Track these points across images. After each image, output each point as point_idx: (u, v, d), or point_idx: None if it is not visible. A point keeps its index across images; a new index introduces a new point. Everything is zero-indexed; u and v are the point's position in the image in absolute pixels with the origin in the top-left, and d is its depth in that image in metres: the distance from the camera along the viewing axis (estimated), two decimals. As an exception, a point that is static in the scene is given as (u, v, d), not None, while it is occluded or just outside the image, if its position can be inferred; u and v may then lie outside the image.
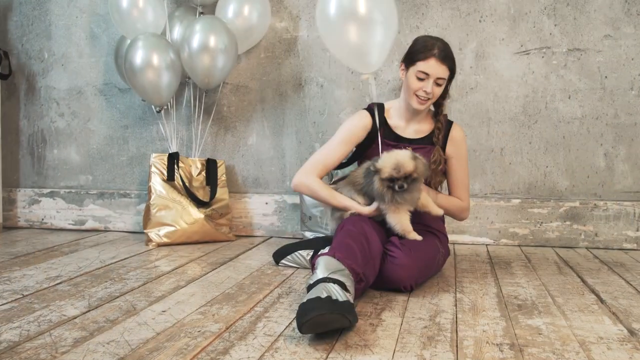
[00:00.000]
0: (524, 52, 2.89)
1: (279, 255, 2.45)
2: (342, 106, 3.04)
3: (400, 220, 2.13)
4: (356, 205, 2.20)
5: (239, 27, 2.91)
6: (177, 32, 2.99)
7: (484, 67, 2.92)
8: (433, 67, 2.17)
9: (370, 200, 2.18)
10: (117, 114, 3.25)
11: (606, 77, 2.84)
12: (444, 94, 2.30)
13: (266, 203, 3.11)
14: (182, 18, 3.01)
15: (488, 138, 2.93)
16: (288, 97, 3.09)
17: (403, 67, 2.28)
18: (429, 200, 2.23)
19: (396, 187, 2.06)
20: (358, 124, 2.33)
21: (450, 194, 2.40)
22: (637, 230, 2.83)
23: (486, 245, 2.92)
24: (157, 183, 2.89)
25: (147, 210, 2.87)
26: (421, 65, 2.17)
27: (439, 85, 2.21)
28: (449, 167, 2.37)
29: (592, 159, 2.87)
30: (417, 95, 2.21)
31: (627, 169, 2.85)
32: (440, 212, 2.23)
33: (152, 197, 2.86)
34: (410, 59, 2.22)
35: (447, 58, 2.19)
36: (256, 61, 3.12)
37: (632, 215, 2.83)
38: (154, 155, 2.93)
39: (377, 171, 2.08)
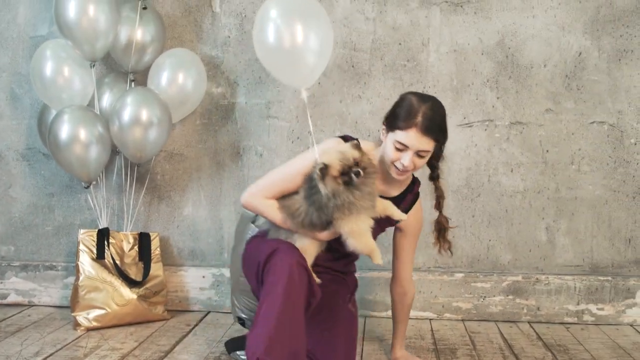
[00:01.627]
0: (467, 124, 2.86)
1: (233, 346, 2.31)
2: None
3: (361, 233, 1.90)
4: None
5: (173, 96, 2.76)
6: (106, 100, 2.81)
7: (427, 139, 2.86)
8: (413, 139, 1.90)
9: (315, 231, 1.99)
10: (41, 180, 3.04)
11: (547, 151, 2.84)
12: (438, 156, 2.07)
13: (203, 276, 2.97)
14: (112, 85, 2.83)
15: (432, 211, 2.87)
16: (226, 166, 2.96)
17: (384, 127, 2.02)
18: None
19: (353, 176, 1.84)
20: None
21: (394, 271, 2.29)
22: (578, 304, 2.84)
23: (430, 320, 2.87)
24: (86, 262, 2.71)
25: (75, 291, 2.69)
26: (400, 135, 1.92)
27: (421, 157, 1.96)
28: (401, 240, 2.23)
29: (534, 233, 2.86)
30: (395, 166, 1.98)
31: (567, 242, 2.85)
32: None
33: (81, 277, 2.68)
34: (390, 123, 1.98)
35: (432, 129, 1.92)
36: (192, 128, 2.97)
37: (573, 289, 2.83)
38: (82, 231, 2.75)
39: (324, 170, 1.86)
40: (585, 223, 2.84)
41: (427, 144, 1.94)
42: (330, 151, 1.93)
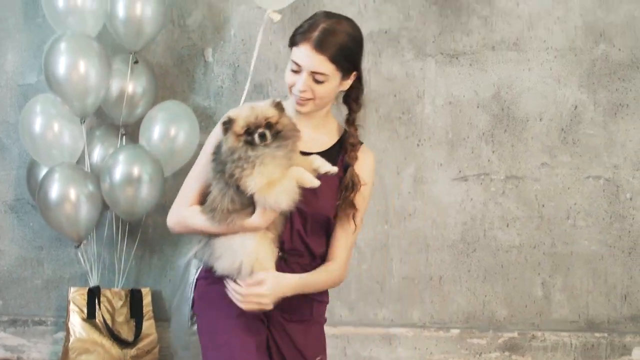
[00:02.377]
0: (462, 178, 2.83)
1: None
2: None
3: (273, 183, 1.57)
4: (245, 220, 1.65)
5: (165, 151, 2.71)
6: (97, 154, 2.76)
7: (422, 192, 2.84)
8: (304, 55, 1.63)
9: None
10: (30, 233, 2.98)
11: (543, 205, 2.81)
12: (356, 95, 1.80)
13: (196, 331, 2.92)
14: (103, 139, 2.78)
15: (427, 265, 2.85)
16: (219, 219, 2.91)
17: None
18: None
19: (256, 137, 1.57)
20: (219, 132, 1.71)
21: (330, 242, 1.80)
22: (574, 360, 2.83)
23: (425, 376, 2.85)
24: (77, 323, 2.66)
25: (66, 353, 2.64)
26: (294, 53, 1.67)
27: (318, 82, 1.65)
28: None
29: (530, 288, 2.84)
30: (294, 94, 1.70)
31: (563, 298, 2.83)
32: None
33: (71, 339, 2.64)
34: (290, 40, 1.71)
35: (327, 46, 1.63)
36: (184, 180, 2.91)
37: (569, 346, 2.82)
38: (72, 289, 2.71)
39: (228, 124, 1.61)
40: (581, 278, 2.82)
41: (322, 64, 1.64)
42: (242, 107, 1.69)
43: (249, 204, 1.65)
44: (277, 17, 1.75)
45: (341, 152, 1.80)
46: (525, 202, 2.82)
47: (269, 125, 1.60)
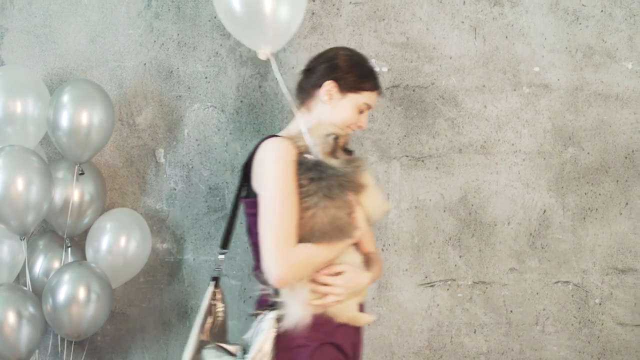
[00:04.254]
0: (428, 284, 2.72)
1: None
2: (234, 338, 2.73)
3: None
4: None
5: (115, 263, 2.53)
6: (39, 267, 2.57)
7: (387, 299, 2.72)
8: (376, 98, 1.93)
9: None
10: (-32, 343, 2.77)
11: (511, 311, 2.73)
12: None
13: None
14: (46, 250, 2.58)
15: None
16: (173, 326, 2.75)
17: (336, 88, 1.86)
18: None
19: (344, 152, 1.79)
20: (290, 159, 1.74)
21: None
22: None
23: None
24: None
25: None
26: (367, 97, 1.88)
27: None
28: None
29: (498, 397, 2.75)
30: (350, 127, 1.90)
31: (532, 406, 2.76)
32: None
33: None
34: (351, 85, 1.85)
35: None
36: (135, 286, 2.75)
37: None
38: (13, 413, 2.51)
39: (337, 140, 1.77)
40: (550, 387, 2.75)
41: None
42: (315, 129, 1.79)
43: (348, 223, 1.73)
44: (264, 56, 1.75)
45: None
46: (493, 308, 2.72)
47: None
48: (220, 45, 2.70)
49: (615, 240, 2.70)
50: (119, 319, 2.75)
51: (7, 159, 2.34)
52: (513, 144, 2.67)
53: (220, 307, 2.00)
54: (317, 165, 1.72)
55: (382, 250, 2.70)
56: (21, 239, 2.44)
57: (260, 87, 2.70)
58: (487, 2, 2.69)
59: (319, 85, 1.88)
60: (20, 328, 2.39)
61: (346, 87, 1.87)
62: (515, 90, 2.68)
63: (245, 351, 1.81)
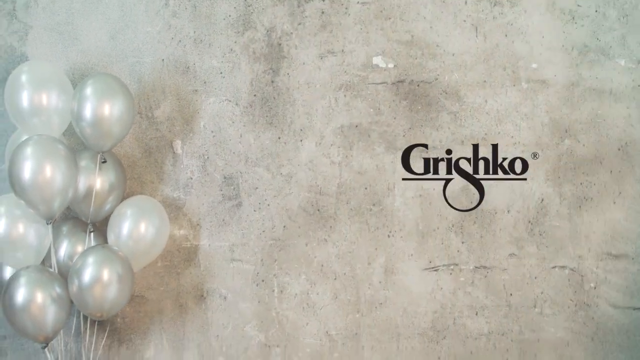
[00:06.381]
0: (432, 268, 2.86)
1: None
2: (247, 319, 2.88)
3: None
4: None
5: (135, 248, 2.67)
6: (64, 251, 2.70)
7: (393, 282, 2.87)
8: None
9: None
10: (-7, 324, 2.91)
11: (511, 294, 2.87)
12: None
13: (166, 423, 2.90)
14: (70, 235, 2.72)
15: (397, 353, 2.88)
16: (189, 309, 2.89)
17: None
18: None
19: None
20: None
21: None
22: None
23: None
24: None
25: None
26: None
27: None
28: None
29: (498, 376, 2.90)
30: None
31: (530, 385, 2.90)
32: None
33: None
34: None
35: None
36: (153, 270, 2.89)
37: None
38: (38, 390, 2.65)
39: None
40: (547, 366, 2.89)
41: None
42: None
43: None
44: None
45: None
46: (494, 292, 2.87)
47: None
48: (235, 42, 2.85)
49: (609, 228, 2.85)
50: (138, 301, 2.89)
51: (36, 147, 2.48)
52: (512, 137, 2.82)
53: None
54: None
55: (389, 236, 2.85)
56: (47, 224, 2.58)
57: (272, 82, 2.84)
58: (487, 2, 2.84)
59: None
60: (48, 308, 2.52)
61: None
62: (514, 85, 2.83)
63: None
